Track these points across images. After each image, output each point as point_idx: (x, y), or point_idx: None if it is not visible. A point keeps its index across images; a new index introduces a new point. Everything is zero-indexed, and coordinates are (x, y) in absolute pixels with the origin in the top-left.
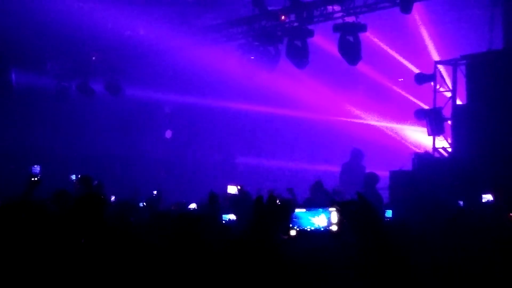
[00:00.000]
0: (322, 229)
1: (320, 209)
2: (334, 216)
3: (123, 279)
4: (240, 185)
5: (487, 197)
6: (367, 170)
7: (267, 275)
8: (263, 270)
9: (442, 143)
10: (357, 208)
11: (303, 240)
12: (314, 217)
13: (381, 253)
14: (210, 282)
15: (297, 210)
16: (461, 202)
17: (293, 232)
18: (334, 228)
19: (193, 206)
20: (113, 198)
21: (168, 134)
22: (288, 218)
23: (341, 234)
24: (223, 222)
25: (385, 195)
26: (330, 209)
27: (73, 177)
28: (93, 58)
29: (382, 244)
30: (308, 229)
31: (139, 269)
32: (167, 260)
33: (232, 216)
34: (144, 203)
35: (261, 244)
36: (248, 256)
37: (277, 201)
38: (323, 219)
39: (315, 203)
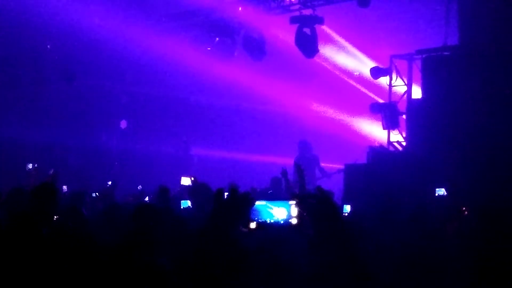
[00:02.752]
0: (282, 222)
1: (280, 202)
2: (294, 209)
3: (74, 272)
4: (193, 177)
5: (441, 191)
6: (321, 162)
7: (227, 267)
8: (223, 262)
9: (397, 137)
10: (316, 201)
11: (263, 233)
12: (274, 209)
13: (339, 247)
14: (170, 274)
15: (257, 203)
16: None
17: (253, 225)
18: (294, 221)
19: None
20: (65, 188)
21: (123, 124)
22: (248, 211)
23: (301, 227)
24: (181, 208)
25: (339, 187)
26: (290, 202)
27: (29, 166)
28: (48, 46)
29: (340, 238)
30: (268, 222)
31: (92, 261)
32: (123, 252)
33: (189, 204)
34: (97, 193)
35: (221, 236)
36: (209, 248)
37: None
38: (283, 212)
39: (274, 195)
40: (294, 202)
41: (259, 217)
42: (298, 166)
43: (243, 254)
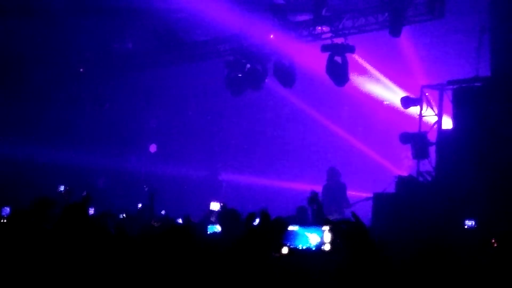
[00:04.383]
0: (314, 247)
1: (313, 227)
2: (327, 235)
3: None
4: (223, 202)
5: (470, 223)
6: (349, 191)
7: None
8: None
9: (426, 167)
10: (349, 227)
11: (295, 259)
12: (306, 235)
13: (375, 272)
14: None
15: (290, 228)
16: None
17: (285, 250)
18: (326, 247)
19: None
20: (92, 210)
21: (153, 148)
22: (280, 236)
23: (333, 253)
24: (208, 233)
25: (366, 216)
26: (323, 227)
27: (61, 187)
28: (81, 70)
29: (376, 264)
30: (300, 248)
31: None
32: (159, 272)
33: (217, 228)
34: (124, 215)
35: (252, 261)
36: (240, 272)
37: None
38: (316, 238)
39: (301, 220)
40: (327, 227)
41: (291, 242)
42: (313, 194)
43: (275, 279)
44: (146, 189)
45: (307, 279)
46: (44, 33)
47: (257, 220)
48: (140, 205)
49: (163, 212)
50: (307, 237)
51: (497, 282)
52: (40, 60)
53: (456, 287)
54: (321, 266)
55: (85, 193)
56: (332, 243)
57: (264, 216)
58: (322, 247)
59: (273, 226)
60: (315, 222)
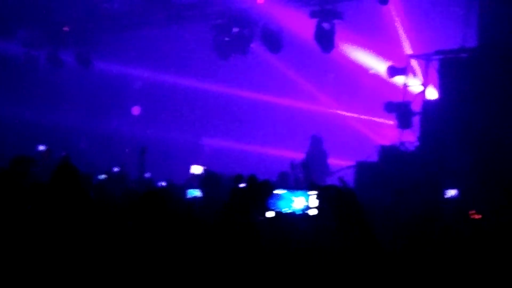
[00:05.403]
0: (299, 212)
1: (300, 192)
2: (313, 200)
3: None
4: (205, 166)
5: (451, 193)
6: (331, 159)
7: (243, 255)
8: (238, 250)
9: (410, 136)
10: (337, 192)
11: (280, 222)
12: (292, 199)
13: (362, 238)
14: (185, 261)
15: (277, 191)
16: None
17: (270, 214)
18: (312, 212)
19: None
20: None
21: (136, 110)
22: (266, 199)
23: (319, 218)
24: (188, 197)
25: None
26: (309, 192)
27: (41, 147)
28: (65, 28)
29: (363, 229)
30: (285, 211)
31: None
32: (140, 238)
33: (197, 193)
34: (105, 176)
35: (237, 224)
36: (225, 235)
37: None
38: (302, 202)
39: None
40: (313, 192)
41: (277, 206)
42: (304, 165)
43: (259, 243)
44: (127, 151)
45: (292, 243)
46: None
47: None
48: (116, 169)
49: (147, 174)
50: (293, 201)
51: (477, 254)
52: (23, 19)
53: (438, 258)
54: (306, 230)
55: (64, 153)
56: (318, 208)
57: (251, 178)
58: (308, 211)
59: (259, 188)
60: (298, 187)
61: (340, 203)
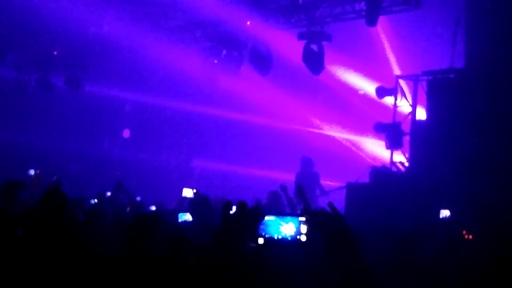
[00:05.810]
0: (290, 238)
1: (289, 218)
2: (304, 226)
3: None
4: (195, 189)
5: (445, 213)
6: (322, 180)
7: (234, 282)
8: (230, 277)
9: (400, 157)
10: (327, 218)
11: (271, 249)
12: (282, 225)
13: (352, 263)
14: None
15: (266, 218)
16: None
17: (261, 240)
18: (303, 238)
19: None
20: None
21: (126, 133)
22: (257, 226)
23: (309, 243)
24: (179, 221)
25: (340, 206)
26: (300, 218)
27: (31, 172)
28: (55, 52)
29: (353, 254)
30: (276, 237)
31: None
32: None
33: (188, 217)
34: (96, 200)
35: (228, 251)
36: (216, 263)
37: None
38: (292, 228)
39: (273, 209)
40: (303, 218)
41: (267, 232)
42: (299, 187)
43: (251, 269)
44: (118, 174)
45: (283, 269)
46: (20, 17)
47: (234, 208)
48: (108, 194)
49: (138, 198)
50: (283, 226)
51: (470, 273)
52: (13, 43)
53: (430, 278)
54: (297, 256)
55: (55, 177)
56: (308, 234)
57: (241, 205)
58: (298, 237)
59: (250, 215)
60: (292, 209)
61: (329, 229)
